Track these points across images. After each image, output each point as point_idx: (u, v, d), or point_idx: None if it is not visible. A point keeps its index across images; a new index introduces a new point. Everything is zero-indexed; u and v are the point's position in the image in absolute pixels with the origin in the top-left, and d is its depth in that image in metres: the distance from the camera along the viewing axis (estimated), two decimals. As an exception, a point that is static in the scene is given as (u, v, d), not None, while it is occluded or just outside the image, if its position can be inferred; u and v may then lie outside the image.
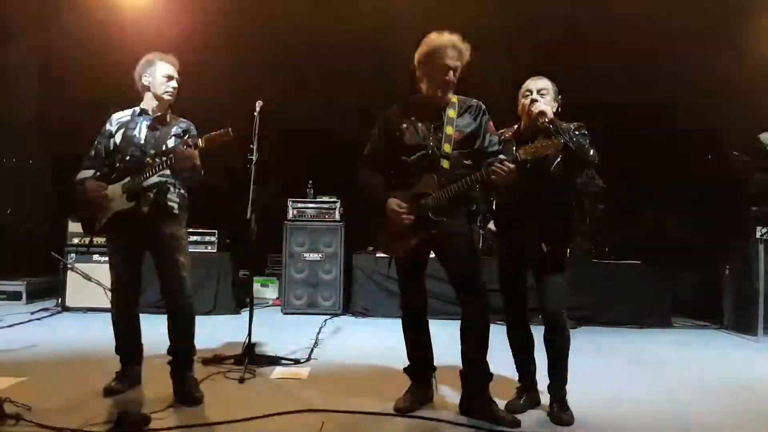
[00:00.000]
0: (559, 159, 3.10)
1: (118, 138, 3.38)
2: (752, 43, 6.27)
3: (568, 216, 3.24)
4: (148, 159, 3.27)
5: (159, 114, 3.43)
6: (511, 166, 2.89)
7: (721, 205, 6.58)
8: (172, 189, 3.36)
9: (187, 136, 3.40)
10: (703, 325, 6.37)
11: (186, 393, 3.23)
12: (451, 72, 3.05)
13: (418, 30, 3.15)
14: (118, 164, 3.34)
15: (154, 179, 3.28)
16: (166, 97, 3.41)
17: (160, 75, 3.38)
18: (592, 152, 3.08)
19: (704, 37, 6.23)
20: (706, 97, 6.59)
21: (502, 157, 2.96)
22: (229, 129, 3.18)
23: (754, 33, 6.24)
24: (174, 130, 3.41)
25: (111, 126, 3.43)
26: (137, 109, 3.45)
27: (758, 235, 5.63)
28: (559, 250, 3.18)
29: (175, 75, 3.43)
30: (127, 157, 3.32)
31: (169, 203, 3.34)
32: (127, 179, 3.27)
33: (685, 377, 4.17)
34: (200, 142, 3.20)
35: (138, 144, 3.34)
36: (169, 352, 3.34)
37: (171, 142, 3.36)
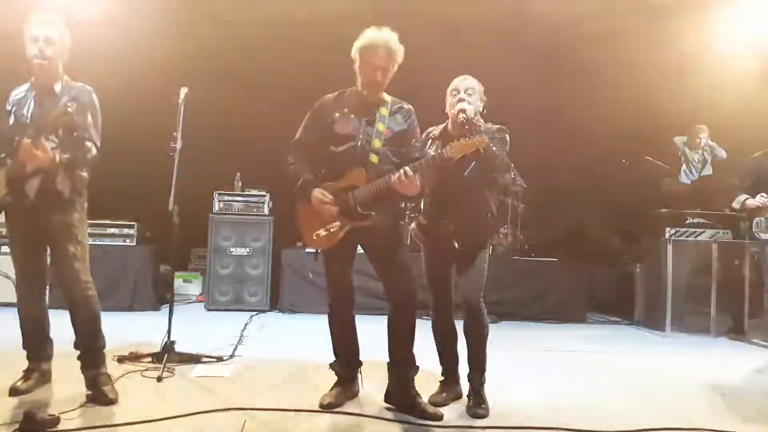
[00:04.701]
0: (473, 163, 3.17)
1: (12, 120, 3.09)
2: (668, 48, 6.61)
3: (486, 215, 3.32)
4: (27, 140, 2.91)
5: (43, 84, 3.08)
6: (410, 175, 2.90)
7: (634, 207, 6.95)
8: (62, 171, 3.04)
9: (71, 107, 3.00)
10: (615, 321, 6.71)
11: (98, 392, 3.05)
12: (379, 72, 3.04)
13: (352, 24, 3.13)
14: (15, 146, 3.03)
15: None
16: (35, 61, 2.99)
17: (27, 38, 2.98)
18: (498, 160, 3.16)
19: (621, 41, 6.53)
20: (623, 102, 6.93)
21: (406, 168, 2.94)
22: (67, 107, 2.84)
23: (670, 38, 6.57)
24: (63, 100, 3.02)
25: (8, 105, 3.13)
26: (31, 82, 3.13)
27: (667, 235, 5.99)
28: (478, 246, 3.28)
29: (45, 34, 2.97)
30: (17, 138, 2.99)
31: (58, 188, 3.04)
32: (9, 164, 3.01)
33: (597, 371, 4.37)
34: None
35: (25, 124, 3.02)
36: (76, 346, 3.15)
37: None
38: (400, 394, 3.14)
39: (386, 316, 3.21)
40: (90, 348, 3.15)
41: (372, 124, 3.11)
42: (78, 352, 3.16)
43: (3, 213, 3.16)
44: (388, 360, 3.20)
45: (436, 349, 3.45)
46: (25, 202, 3.04)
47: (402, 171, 2.93)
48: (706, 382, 4.03)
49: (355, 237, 3.11)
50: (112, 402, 3.04)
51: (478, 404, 3.19)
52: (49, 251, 3.20)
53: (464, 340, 3.32)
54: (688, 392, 3.80)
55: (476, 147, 2.97)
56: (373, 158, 3.07)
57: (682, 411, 3.37)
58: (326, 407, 3.12)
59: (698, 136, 6.99)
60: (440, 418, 3.04)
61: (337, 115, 3.13)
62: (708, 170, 7.09)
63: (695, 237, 6.02)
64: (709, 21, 6.67)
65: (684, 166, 7.16)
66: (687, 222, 6.04)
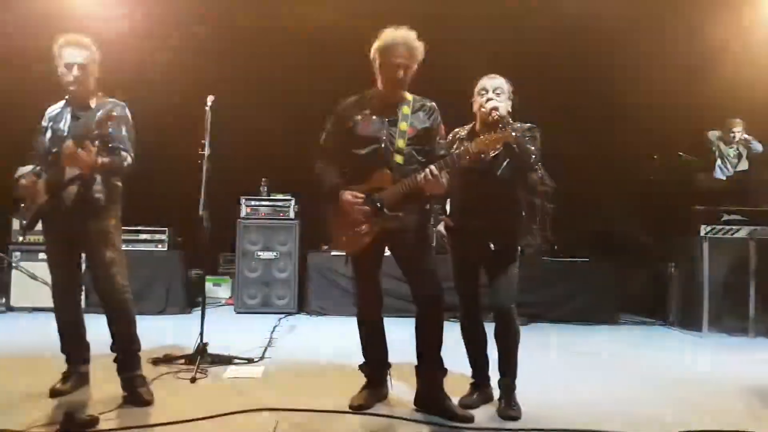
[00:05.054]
0: (506, 162, 3.14)
1: (49, 134, 3.22)
2: (699, 39, 6.45)
3: (518, 215, 3.30)
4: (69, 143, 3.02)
5: (79, 101, 3.22)
6: (436, 173, 2.89)
7: (667, 204, 6.81)
8: (98, 179, 3.15)
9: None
10: (650, 322, 6.57)
11: (135, 393, 3.14)
12: (401, 70, 3.02)
13: (376, 28, 3.11)
14: (51, 160, 3.17)
15: (77, 170, 3.08)
16: (71, 88, 3.17)
17: (61, 65, 3.14)
18: (534, 157, 3.13)
19: (649, 33, 6.40)
20: (653, 97, 6.80)
21: (431, 167, 2.93)
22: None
23: (700, 28, 6.41)
24: (99, 115, 3.12)
25: (45, 122, 3.27)
26: (67, 99, 3.27)
27: (702, 233, 5.86)
28: (510, 248, 3.24)
29: (79, 61, 3.12)
30: (54, 150, 3.14)
31: (95, 195, 3.15)
32: (47, 173, 3.12)
33: (632, 373, 4.29)
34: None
35: (62, 137, 3.14)
36: (112, 349, 3.25)
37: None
38: (430, 397, 3.13)
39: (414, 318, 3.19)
40: (126, 351, 3.24)
41: (395, 124, 3.09)
42: (114, 355, 3.25)
43: (41, 220, 3.26)
44: (416, 363, 3.20)
45: (465, 352, 3.43)
46: (63, 209, 3.13)
47: (427, 170, 2.91)
48: (745, 384, 3.92)
49: (382, 239, 3.11)
50: (147, 403, 3.12)
51: (509, 406, 3.16)
52: (85, 257, 3.28)
53: (495, 344, 3.28)
54: (727, 394, 3.71)
55: (501, 142, 2.92)
56: (398, 158, 3.06)
57: (721, 414, 3.28)
58: (356, 408, 3.12)
59: (733, 130, 6.81)
60: (471, 420, 3.02)
61: (359, 117, 3.12)
62: (744, 165, 6.91)
63: (731, 234, 5.86)
64: (741, 9, 6.50)
65: (719, 161, 6.99)
66: (723, 219, 5.89)
